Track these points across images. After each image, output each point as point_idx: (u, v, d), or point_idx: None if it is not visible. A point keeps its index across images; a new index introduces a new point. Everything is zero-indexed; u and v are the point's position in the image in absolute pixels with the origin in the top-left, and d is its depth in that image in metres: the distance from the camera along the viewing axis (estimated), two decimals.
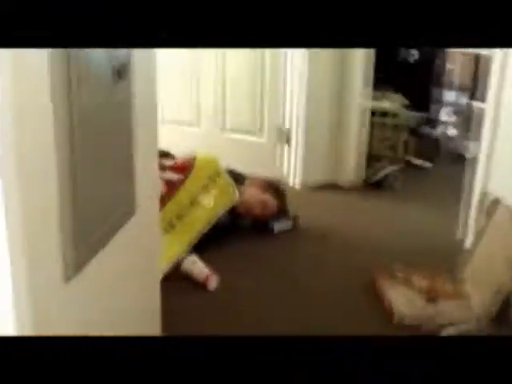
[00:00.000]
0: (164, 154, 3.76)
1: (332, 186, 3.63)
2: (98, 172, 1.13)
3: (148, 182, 1.48)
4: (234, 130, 3.75)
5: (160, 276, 1.69)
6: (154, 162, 1.55)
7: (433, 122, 4.41)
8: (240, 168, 3.54)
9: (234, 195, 2.72)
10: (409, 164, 4.05)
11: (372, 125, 3.77)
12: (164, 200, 2.53)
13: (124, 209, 1.31)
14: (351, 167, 3.66)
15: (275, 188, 2.88)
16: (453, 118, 4.91)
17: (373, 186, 3.64)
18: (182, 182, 2.60)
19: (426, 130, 4.27)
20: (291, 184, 3.61)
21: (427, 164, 4.06)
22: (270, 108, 3.59)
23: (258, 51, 3.51)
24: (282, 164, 3.67)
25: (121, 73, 1.18)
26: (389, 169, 3.68)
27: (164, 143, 3.81)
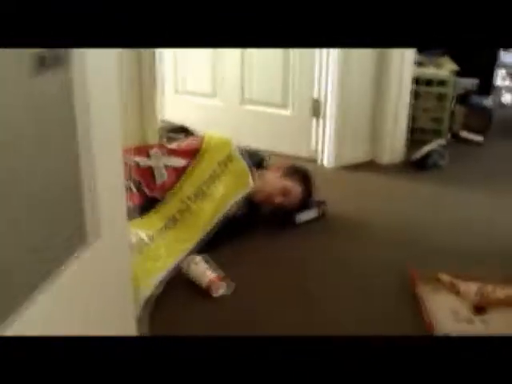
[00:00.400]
0: (179, 129, 3.40)
1: (368, 165, 3.18)
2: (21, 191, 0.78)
3: (107, 196, 1.12)
4: (254, 102, 3.32)
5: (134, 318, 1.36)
6: (117, 168, 1.18)
7: (485, 89, 3.87)
8: (262, 145, 3.15)
9: (248, 182, 2.31)
10: (457, 138, 3.54)
11: (415, 94, 3.30)
12: (165, 191, 2.15)
13: (69, 237, 0.96)
14: (390, 143, 3.19)
15: (300, 173, 2.45)
16: (508, 82, 4.38)
17: (415, 164, 3.15)
18: (186, 168, 2.20)
19: (477, 98, 3.74)
20: (320, 163, 3.18)
21: (478, 138, 3.54)
22: (297, 76, 3.14)
23: None
24: (310, 140, 3.22)
25: (46, 59, 0.85)
26: (433, 144, 3.19)
27: (180, 116, 3.49)
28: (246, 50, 3.22)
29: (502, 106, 4.20)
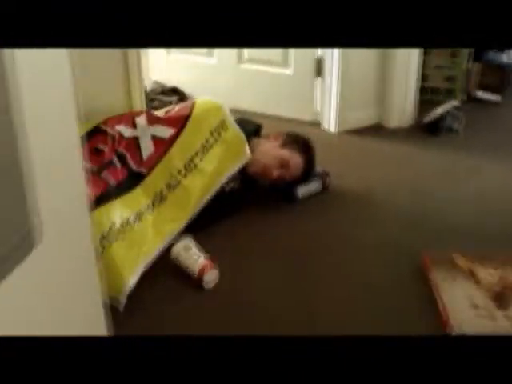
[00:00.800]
0: (170, 91, 3.17)
1: (374, 129, 2.95)
2: None
3: (62, 187, 0.99)
4: (253, 61, 3.07)
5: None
6: (73, 151, 0.99)
7: None
8: (261, 107, 2.94)
9: (244, 152, 2.09)
10: (472, 99, 3.30)
11: (425, 51, 3.05)
12: (152, 164, 1.93)
13: (19, 240, 0.85)
14: (398, 104, 2.95)
15: (300, 142, 2.23)
16: None
17: (426, 128, 2.91)
18: (174, 139, 1.98)
19: (493, 54, 3.46)
20: (324, 127, 2.95)
21: (495, 97, 3.29)
22: None
23: None
24: (313, 102, 2.99)
25: None
26: (447, 106, 2.95)
27: (173, 77, 3.25)
28: None
29: None
